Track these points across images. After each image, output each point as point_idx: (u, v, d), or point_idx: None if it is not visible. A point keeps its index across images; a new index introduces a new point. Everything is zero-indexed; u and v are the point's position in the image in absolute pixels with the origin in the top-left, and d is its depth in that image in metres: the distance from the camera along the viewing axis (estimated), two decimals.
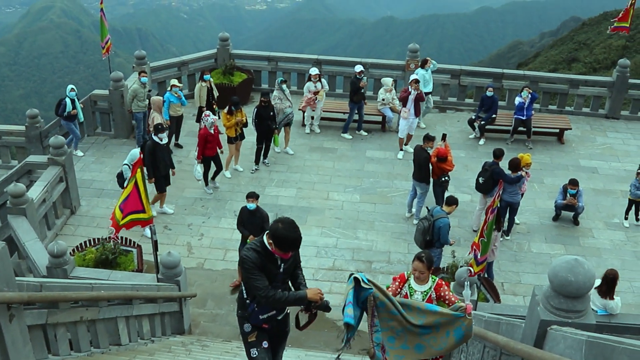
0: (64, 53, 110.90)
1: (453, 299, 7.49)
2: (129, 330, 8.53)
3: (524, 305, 10.64)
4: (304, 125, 18.46)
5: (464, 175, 16.30)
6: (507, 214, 13.94)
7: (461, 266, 11.11)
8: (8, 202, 12.35)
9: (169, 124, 15.90)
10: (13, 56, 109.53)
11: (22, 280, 6.06)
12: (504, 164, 13.73)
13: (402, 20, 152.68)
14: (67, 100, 16.16)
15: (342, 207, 15.27)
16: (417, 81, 16.34)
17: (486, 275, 11.84)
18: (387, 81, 18.46)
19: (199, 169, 15.01)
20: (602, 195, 16.01)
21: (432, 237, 11.79)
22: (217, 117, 15.68)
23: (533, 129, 17.91)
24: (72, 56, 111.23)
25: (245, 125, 15.86)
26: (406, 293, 7.66)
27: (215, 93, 17.44)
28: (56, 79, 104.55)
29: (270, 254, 6.12)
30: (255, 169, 16.44)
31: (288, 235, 5.95)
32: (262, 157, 16.56)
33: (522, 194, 14.01)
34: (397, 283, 7.75)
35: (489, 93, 17.73)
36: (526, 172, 13.67)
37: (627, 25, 19.24)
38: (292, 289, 6.56)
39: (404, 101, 16.45)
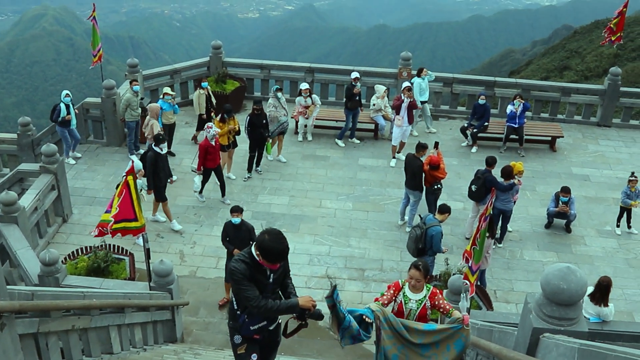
0: (56, 61, 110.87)
1: (447, 307, 7.48)
2: (121, 339, 8.49)
3: (516, 313, 10.63)
4: (296, 133, 18.46)
5: (456, 183, 16.33)
6: (500, 222, 13.95)
7: (454, 274, 11.10)
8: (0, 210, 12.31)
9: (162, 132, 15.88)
10: (5, 64, 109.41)
11: (14, 288, 6.03)
12: (496, 172, 13.76)
13: (395, 28, 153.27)
14: (62, 105, 16.13)
15: (334, 215, 15.27)
16: (409, 89, 16.39)
17: (479, 283, 11.85)
18: (380, 88, 18.52)
19: (197, 181, 14.98)
20: (594, 203, 16.06)
21: (424, 245, 11.80)
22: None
23: (525, 137, 17.95)
24: (65, 64, 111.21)
25: (238, 133, 15.85)
26: (401, 301, 7.65)
27: (213, 100, 17.48)
28: (48, 87, 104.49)
29: (259, 265, 6.08)
30: (248, 177, 16.42)
31: (275, 247, 5.91)
32: (254, 165, 16.55)
33: (514, 202, 14.05)
34: (391, 291, 7.73)
35: (481, 101, 17.78)
36: (518, 180, 13.71)
37: (620, 35, 19.31)
38: (283, 298, 6.54)
39: (397, 109, 16.48)
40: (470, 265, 9.26)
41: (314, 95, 17.85)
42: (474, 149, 18.07)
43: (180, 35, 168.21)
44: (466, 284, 9.34)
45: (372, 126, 18.65)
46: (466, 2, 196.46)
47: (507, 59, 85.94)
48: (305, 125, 18.28)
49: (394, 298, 7.71)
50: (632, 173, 14.72)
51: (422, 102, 18.14)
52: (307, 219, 15.05)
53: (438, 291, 7.80)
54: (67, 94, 16.48)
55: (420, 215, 12.77)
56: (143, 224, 10.05)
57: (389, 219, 15.13)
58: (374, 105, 18.32)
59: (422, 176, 13.97)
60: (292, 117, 17.92)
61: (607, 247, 14.52)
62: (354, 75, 17.56)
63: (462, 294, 9.17)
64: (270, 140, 16.35)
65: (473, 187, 13.96)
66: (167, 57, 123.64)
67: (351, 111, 17.79)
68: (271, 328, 6.65)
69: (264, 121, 15.87)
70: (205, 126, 14.88)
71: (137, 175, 13.05)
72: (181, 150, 17.30)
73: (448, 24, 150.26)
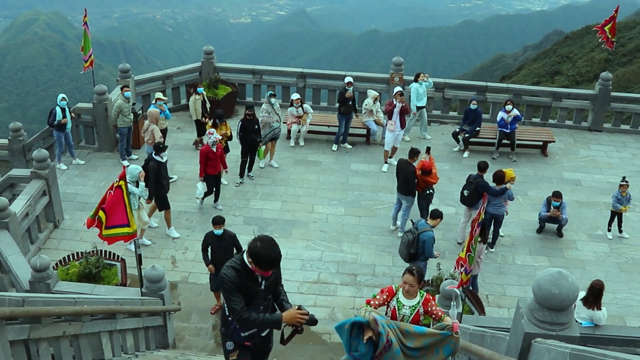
0: (48, 66, 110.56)
1: (440, 313, 7.48)
2: (113, 345, 8.46)
3: (508, 318, 10.63)
4: (288, 138, 18.45)
5: (448, 188, 16.35)
6: (492, 227, 13.98)
7: (446, 279, 11.11)
8: None
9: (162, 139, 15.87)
10: None
11: (4, 295, 6.02)
12: (488, 177, 13.79)
13: (387, 33, 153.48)
14: (58, 109, 16.09)
15: (326, 220, 15.26)
16: (401, 93, 16.41)
17: (471, 288, 11.86)
18: (371, 92, 18.55)
19: (200, 187, 14.94)
20: (586, 208, 16.11)
21: (416, 250, 11.80)
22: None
23: (517, 142, 18.01)
24: (56, 69, 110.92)
25: (230, 138, 15.82)
26: (394, 307, 7.64)
27: (208, 105, 17.47)
28: (40, 92, 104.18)
29: (251, 272, 6.04)
30: (240, 182, 16.40)
31: (267, 254, 5.85)
32: (246, 171, 16.53)
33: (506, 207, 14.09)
34: (384, 295, 7.70)
35: (473, 106, 17.84)
36: (509, 186, 13.71)
37: (613, 40, 19.40)
38: (275, 305, 6.52)
39: (389, 114, 16.50)
40: (464, 269, 9.29)
41: (305, 105, 17.88)
42: (465, 154, 18.11)
43: (172, 41, 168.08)
44: (456, 292, 9.36)
45: (364, 131, 18.65)
46: (458, 7, 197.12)
47: (499, 64, 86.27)
48: (299, 131, 18.27)
49: (387, 303, 7.69)
50: (623, 177, 14.80)
51: (420, 107, 18.17)
52: (299, 224, 15.04)
53: (431, 297, 7.79)
54: (63, 97, 16.45)
55: (412, 221, 12.78)
56: (135, 229, 10.03)
57: (381, 224, 15.13)
58: (365, 106, 18.32)
59: (415, 181, 13.99)
60: (283, 122, 17.92)
61: (599, 252, 14.57)
62: (348, 79, 17.57)
63: (452, 302, 9.18)
64: (264, 148, 16.36)
65: (465, 192, 14.00)
66: (159, 63, 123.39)
67: (344, 116, 17.80)
68: (263, 335, 6.64)
69: (256, 126, 15.85)
70: (207, 132, 14.86)
71: (140, 178, 13.04)
72: (173, 156, 17.24)
73: (440, 29, 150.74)
